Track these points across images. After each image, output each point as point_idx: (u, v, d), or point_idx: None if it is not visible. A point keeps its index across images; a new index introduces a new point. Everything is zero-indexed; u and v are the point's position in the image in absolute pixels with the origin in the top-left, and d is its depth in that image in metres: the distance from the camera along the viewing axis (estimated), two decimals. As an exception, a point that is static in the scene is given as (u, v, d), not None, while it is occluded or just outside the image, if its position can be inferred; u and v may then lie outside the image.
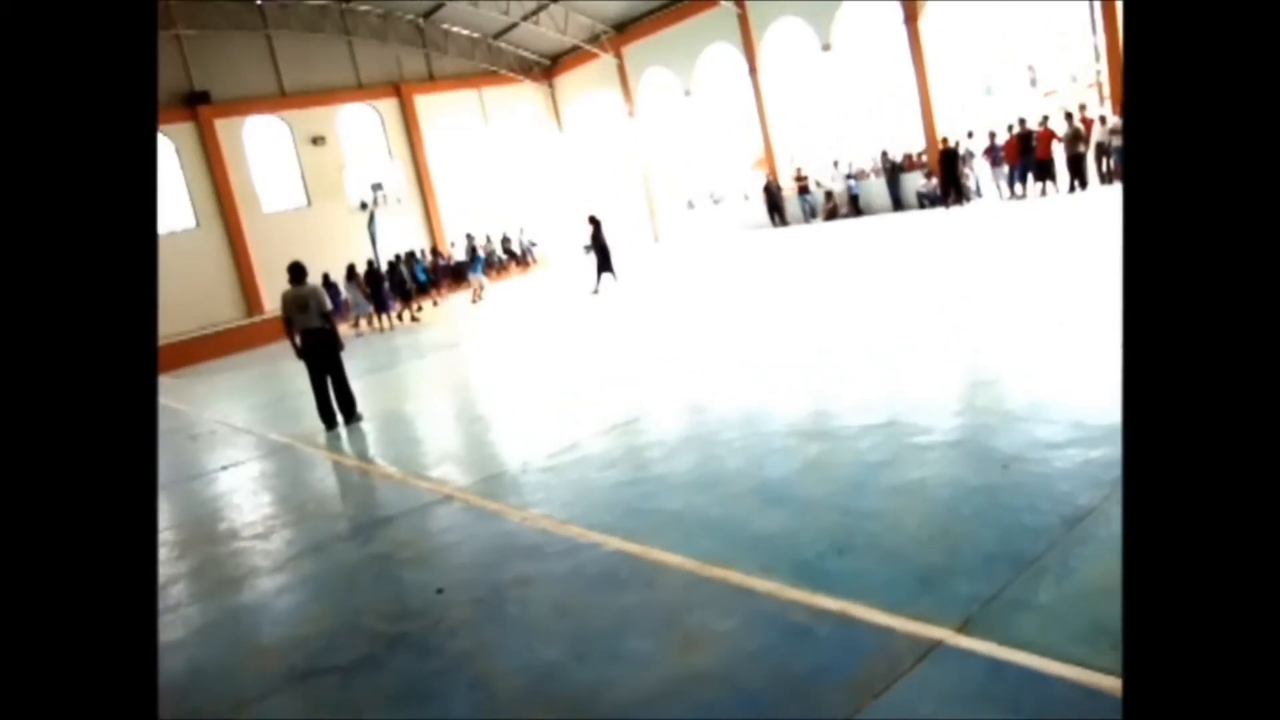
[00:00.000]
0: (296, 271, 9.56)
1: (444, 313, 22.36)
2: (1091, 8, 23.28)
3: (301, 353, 9.53)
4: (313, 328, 9.39)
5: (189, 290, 25.12)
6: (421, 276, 21.70)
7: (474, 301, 23.30)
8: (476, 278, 24.47)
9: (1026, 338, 7.36)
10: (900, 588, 3.59)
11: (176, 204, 26.13)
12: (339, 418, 9.70)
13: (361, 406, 10.01)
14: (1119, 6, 18.41)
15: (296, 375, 11.47)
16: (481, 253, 26.70)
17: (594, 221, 18.20)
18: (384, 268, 23.71)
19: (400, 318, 22.09)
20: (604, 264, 17.94)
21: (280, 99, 27.74)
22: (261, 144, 27.66)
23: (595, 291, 17.62)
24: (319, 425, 9.67)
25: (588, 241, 18.26)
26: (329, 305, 9.68)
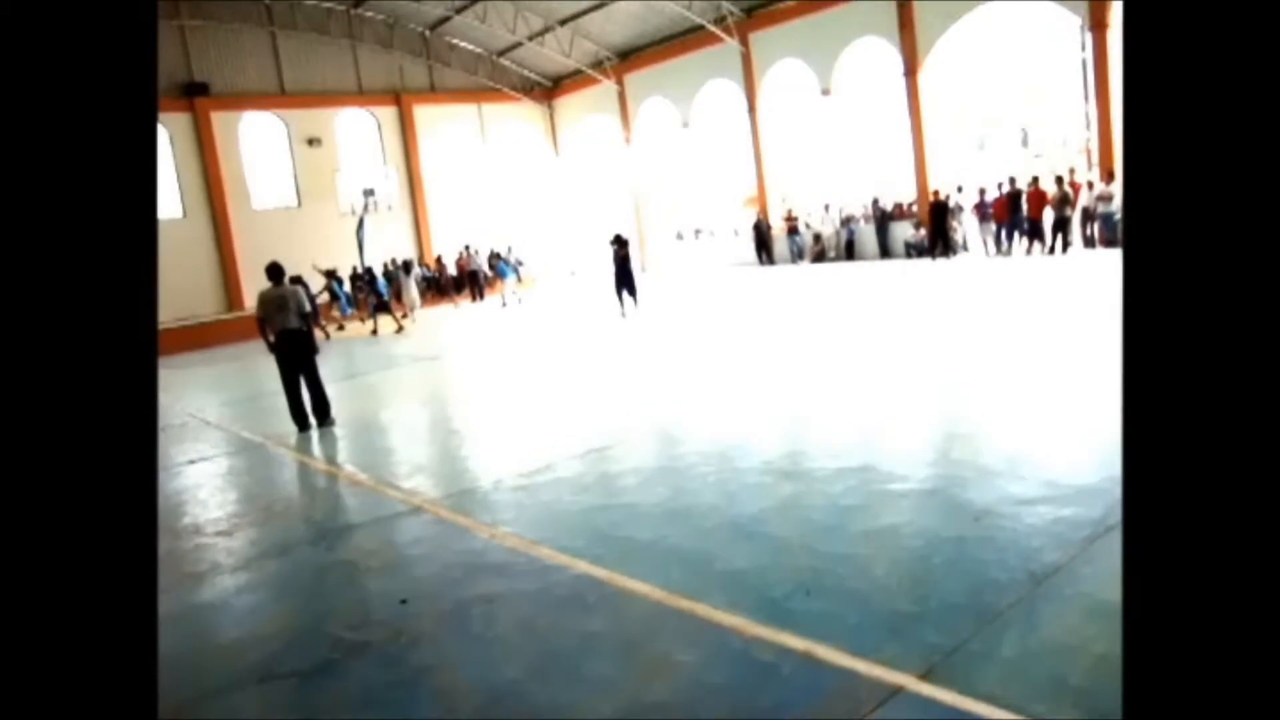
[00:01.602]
0: (274, 272, 9.58)
1: (435, 322, 22.29)
2: (1085, 76, 23.75)
3: (277, 352, 9.49)
4: (290, 328, 9.37)
5: (170, 280, 24.84)
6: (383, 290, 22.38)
7: (505, 305, 24.01)
8: (508, 281, 25.32)
9: (1006, 393, 7.44)
10: (866, 632, 3.60)
11: (164, 193, 25.98)
12: (312, 420, 9.67)
13: (340, 411, 9.96)
14: (1111, 78, 18.77)
15: (272, 374, 11.38)
16: (511, 259, 27.07)
17: (619, 241, 17.40)
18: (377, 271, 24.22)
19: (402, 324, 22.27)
20: (625, 284, 17.16)
21: (280, 97, 27.73)
22: (257, 140, 27.60)
23: (623, 315, 16.92)
24: (292, 426, 9.60)
25: (611, 263, 17.46)
26: (308, 306, 9.68)
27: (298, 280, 17.07)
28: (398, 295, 22.80)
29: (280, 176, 28.16)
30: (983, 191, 21.13)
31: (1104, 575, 3.79)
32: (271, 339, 9.48)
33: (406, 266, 24.69)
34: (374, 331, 20.95)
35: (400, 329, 21.44)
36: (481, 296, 27.85)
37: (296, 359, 9.48)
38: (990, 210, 20.62)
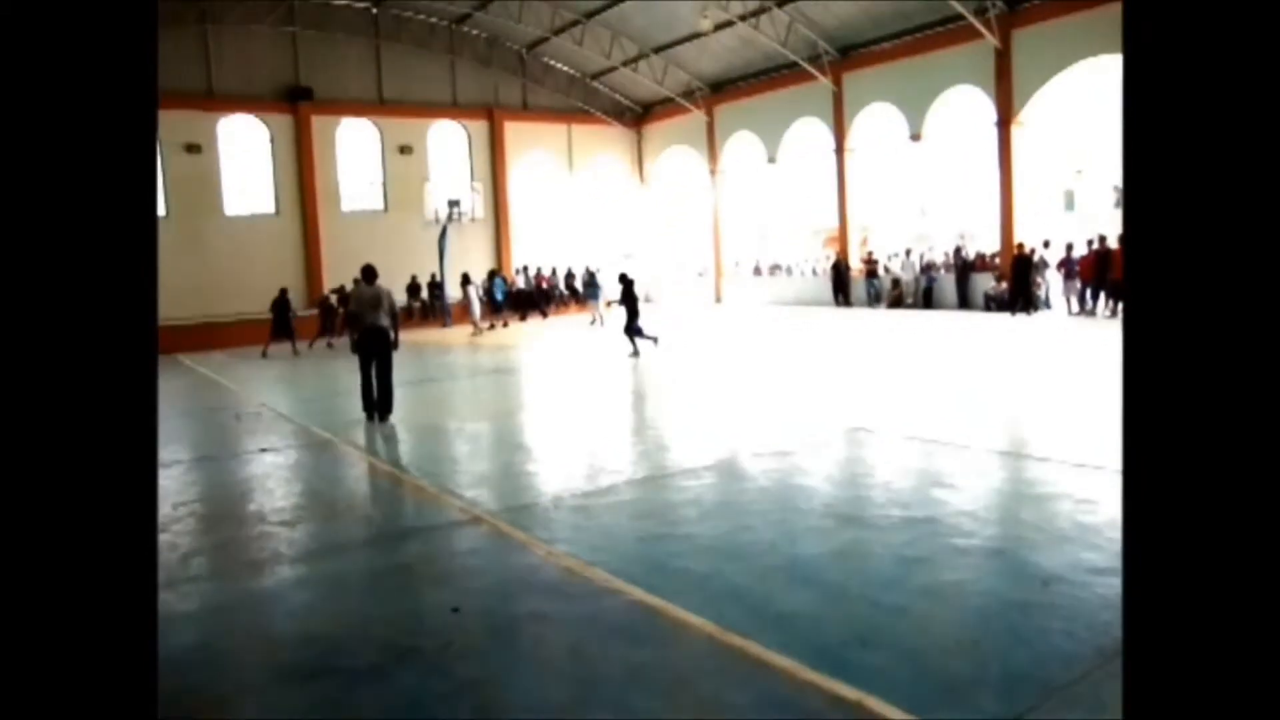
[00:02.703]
0: (369, 273, 10.35)
1: (511, 335, 22.55)
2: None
3: (359, 346, 10.19)
4: (379, 325, 10.08)
5: (258, 273, 25.66)
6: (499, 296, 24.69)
7: (593, 323, 24.30)
8: (595, 303, 25.66)
9: (1081, 456, 7.18)
10: (921, 690, 3.49)
11: (261, 189, 26.84)
12: (378, 411, 10.30)
13: (408, 416, 10.14)
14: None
15: (345, 373, 11.63)
16: (600, 281, 27.54)
17: (624, 280, 17.32)
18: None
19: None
20: (632, 326, 16.68)
21: (377, 106, 28.49)
22: (351, 145, 28.36)
23: (635, 354, 16.26)
24: (361, 426, 9.83)
25: (617, 300, 17.30)
26: (397, 307, 10.49)
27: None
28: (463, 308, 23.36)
29: (370, 182, 28.86)
30: (1070, 248, 20.65)
31: (1178, 658, 3.61)
32: (356, 335, 10.25)
33: (465, 278, 24.83)
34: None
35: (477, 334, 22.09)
36: (544, 315, 28.19)
37: (377, 353, 10.13)
38: (1076, 268, 20.13)
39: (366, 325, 10.11)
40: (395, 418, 10.23)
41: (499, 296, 26.34)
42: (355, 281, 10.91)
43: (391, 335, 10.24)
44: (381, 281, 10.48)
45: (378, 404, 10.23)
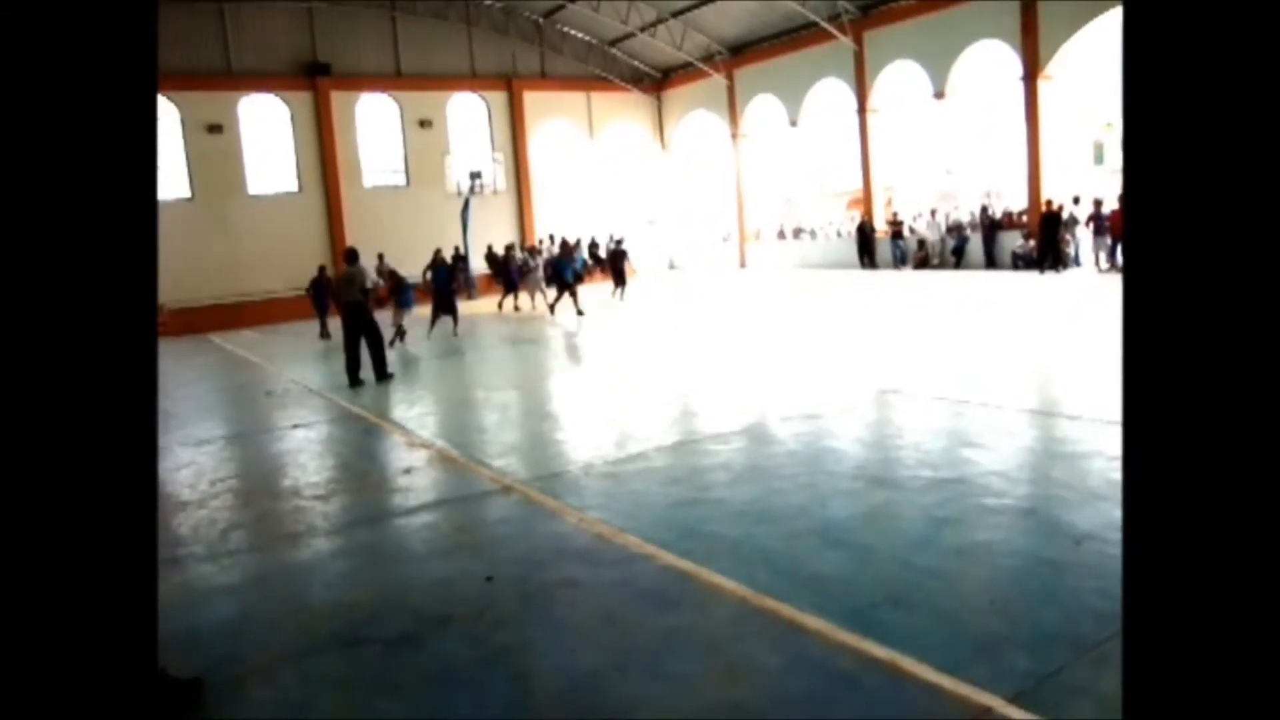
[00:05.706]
0: (352, 255, 11.93)
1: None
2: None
3: (341, 319, 11.66)
4: (354, 300, 11.44)
5: (282, 251, 25.83)
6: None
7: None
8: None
9: (1115, 414, 7.11)
10: (953, 649, 3.50)
11: (283, 168, 26.91)
12: (366, 378, 11.40)
13: (438, 387, 10.21)
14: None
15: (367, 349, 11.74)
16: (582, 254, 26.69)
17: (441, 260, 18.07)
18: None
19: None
20: (443, 305, 16.92)
21: (395, 79, 28.40)
22: (371, 120, 28.33)
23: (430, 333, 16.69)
24: (392, 398, 9.92)
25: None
26: (369, 284, 12.06)
27: (380, 258, 18.10)
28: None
29: (391, 157, 28.84)
30: (1099, 203, 20.30)
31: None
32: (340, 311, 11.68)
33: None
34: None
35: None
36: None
37: (355, 323, 11.41)
38: (1107, 223, 19.79)
39: (344, 302, 11.50)
40: (423, 388, 10.37)
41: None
42: (379, 257, 11.73)
43: (365, 307, 11.51)
44: (406, 255, 10.82)
45: (374, 368, 11.40)
